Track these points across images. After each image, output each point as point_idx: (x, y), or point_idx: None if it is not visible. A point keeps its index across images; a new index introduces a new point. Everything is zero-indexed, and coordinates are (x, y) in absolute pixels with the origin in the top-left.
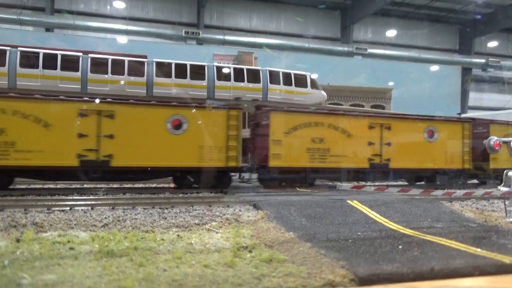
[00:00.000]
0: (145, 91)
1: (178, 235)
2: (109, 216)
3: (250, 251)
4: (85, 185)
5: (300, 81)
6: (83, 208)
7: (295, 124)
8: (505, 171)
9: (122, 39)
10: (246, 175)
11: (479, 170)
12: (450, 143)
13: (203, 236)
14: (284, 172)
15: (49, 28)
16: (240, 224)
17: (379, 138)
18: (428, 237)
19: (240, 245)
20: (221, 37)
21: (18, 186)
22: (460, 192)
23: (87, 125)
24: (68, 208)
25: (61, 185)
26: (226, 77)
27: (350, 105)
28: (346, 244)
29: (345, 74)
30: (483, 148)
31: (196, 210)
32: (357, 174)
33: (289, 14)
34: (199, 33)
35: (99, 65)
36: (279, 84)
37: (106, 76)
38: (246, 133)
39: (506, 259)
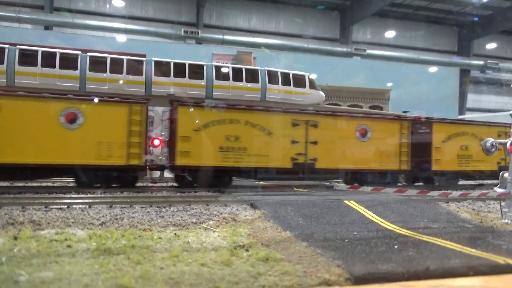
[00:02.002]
0: (143, 90)
1: (175, 234)
2: (106, 215)
3: (247, 250)
4: None
5: (299, 81)
6: (80, 206)
7: None
8: (501, 173)
9: (121, 38)
10: None
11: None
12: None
13: (200, 235)
14: None
15: (48, 26)
16: (237, 223)
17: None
18: (424, 237)
19: (237, 244)
20: (220, 36)
21: (15, 184)
22: (456, 193)
23: None
24: (66, 206)
25: (58, 183)
26: (225, 77)
27: (348, 106)
28: (342, 244)
29: (343, 74)
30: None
31: (193, 209)
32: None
33: (288, 14)
34: (198, 33)
35: (97, 64)
36: (277, 84)
37: (104, 74)
38: None
39: (500, 259)
